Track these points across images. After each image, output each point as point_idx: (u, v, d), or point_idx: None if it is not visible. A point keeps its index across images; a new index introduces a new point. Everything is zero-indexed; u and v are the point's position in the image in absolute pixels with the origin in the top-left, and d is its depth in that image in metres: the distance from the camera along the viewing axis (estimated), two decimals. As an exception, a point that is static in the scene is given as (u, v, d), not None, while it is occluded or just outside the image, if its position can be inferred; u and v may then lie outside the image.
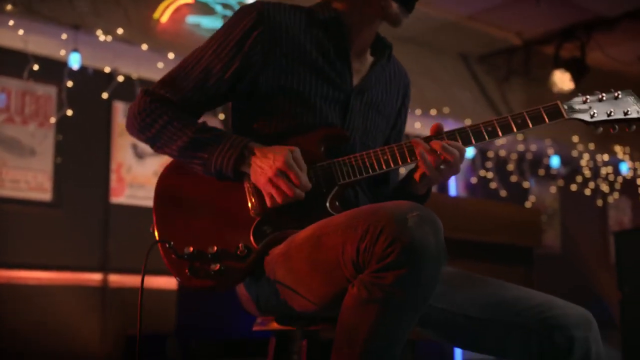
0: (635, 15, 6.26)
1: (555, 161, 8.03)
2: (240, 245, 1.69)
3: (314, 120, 1.83)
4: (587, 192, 8.35)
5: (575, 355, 1.68)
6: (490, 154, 7.64)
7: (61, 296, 5.32)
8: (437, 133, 1.77)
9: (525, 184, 7.93)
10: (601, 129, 1.80)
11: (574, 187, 8.19)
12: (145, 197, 5.89)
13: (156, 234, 1.76)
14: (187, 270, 1.67)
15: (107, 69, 5.49)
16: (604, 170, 8.45)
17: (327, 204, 1.75)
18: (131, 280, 5.64)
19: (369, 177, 1.80)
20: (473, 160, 7.66)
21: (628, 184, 8.62)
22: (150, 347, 3.91)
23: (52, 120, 5.48)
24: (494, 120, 1.76)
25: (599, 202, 8.60)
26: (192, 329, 3.74)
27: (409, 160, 1.77)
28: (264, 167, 1.71)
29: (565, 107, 1.77)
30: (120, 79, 5.51)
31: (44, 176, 5.46)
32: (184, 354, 3.72)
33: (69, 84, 5.22)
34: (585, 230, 8.66)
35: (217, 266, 1.66)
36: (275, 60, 1.81)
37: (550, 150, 7.88)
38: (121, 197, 5.79)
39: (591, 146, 8.01)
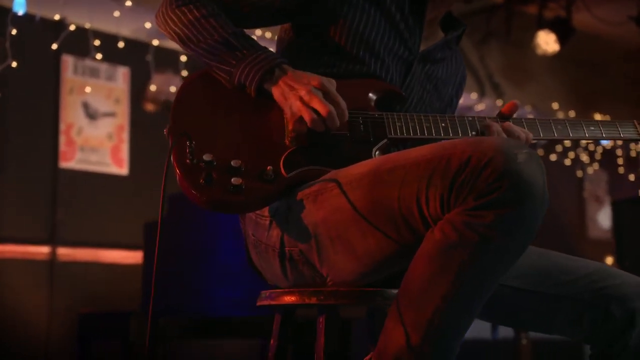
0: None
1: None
2: (268, 168, 1.61)
3: (374, 69, 1.78)
4: (567, 162, 8.31)
5: (637, 329, 1.65)
6: (469, 121, 7.50)
7: (4, 271, 5.23)
8: (510, 114, 1.82)
9: (504, 153, 7.82)
10: None
11: (553, 157, 8.13)
12: (98, 162, 5.77)
13: (170, 137, 1.64)
14: (202, 180, 1.56)
15: (56, 17, 5.27)
16: (584, 140, 8.40)
17: (373, 153, 1.70)
18: (82, 253, 5.56)
19: (420, 140, 1.75)
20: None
21: (608, 154, 8.62)
22: (110, 325, 3.69)
23: (-7, 73, 5.32)
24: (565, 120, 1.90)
25: (579, 173, 8.58)
26: (160, 305, 3.51)
27: (469, 135, 1.75)
28: (295, 85, 1.63)
29: None
30: (72, 28, 5.31)
31: (-17, 137, 5.37)
32: (151, 332, 3.48)
33: (13, 32, 4.96)
34: (564, 201, 8.64)
35: (240, 180, 1.57)
36: None
37: (529, 117, 7.78)
38: (71, 161, 5.66)
39: (571, 114, 8.01)
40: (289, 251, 1.66)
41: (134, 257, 5.35)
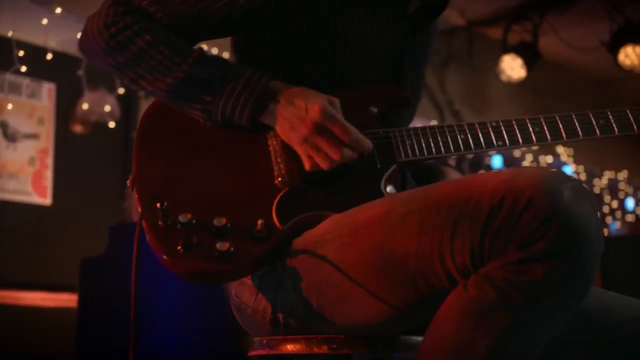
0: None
1: (497, 162, 8.10)
2: (259, 222, 1.45)
3: (364, 73, 1.65)
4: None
5: None
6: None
7: None
8: None
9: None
10: None
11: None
12: (17, 191, 5.65)
13: (136, 191, 1.51)
14: (179, 247, 1.41)
15: (-27, 24, 5.21)
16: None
17: (383, 186, 1.55)
18: (-4, 295, 5.40)
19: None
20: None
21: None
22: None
23: None
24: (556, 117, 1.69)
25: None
26: (97, 356, 3.31)
27: (495, 144, 1.63)
28: (293, 120, 1.48)
29: None
30: (-8, 37, 5.25)
31: None
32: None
33: None
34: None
35: (226, 245, 1.41)
36: None
37: (491, 150, 7.87)
38: (-14, 189, 5.62)
39: (534, 147, 8.02)
40: (284, 317, 1.53)
41: (58, 299, 5.13)
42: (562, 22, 6.63)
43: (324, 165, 1.47)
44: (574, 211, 1.21)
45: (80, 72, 5.32)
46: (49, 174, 5.71)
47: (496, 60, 6.85)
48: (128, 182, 1.54)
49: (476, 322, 1.26)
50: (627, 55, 6.22)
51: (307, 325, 1.50)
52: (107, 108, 5.53)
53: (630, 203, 9.39)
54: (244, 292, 1.57)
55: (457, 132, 1.60)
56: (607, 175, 9.10)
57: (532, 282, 1.22)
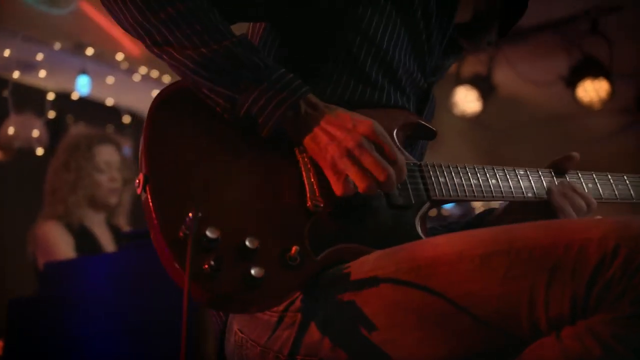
0: (555, 25, 6.24)
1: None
2: (293, 248, 1.35)
3: (395, 99, 1.59)
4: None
5: None
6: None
7: None
8: (566, 167, 1.75)
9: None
10: None
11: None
12: None
13: (150, 193, 1.32)
14: (206, 265, 1.27)
15: None
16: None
17: (417, 223, 1.50)
18: None
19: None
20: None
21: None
22: None
23: None
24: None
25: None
26: None
27: (535, 193, 1.65)
28: (336, 132, 1.41)
29: None
30: None
31: None
32: None
33: None
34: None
35: (262, 271, 1.29)
36: None
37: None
38: None
39: None
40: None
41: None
42: (518, 54, 6.62)
43: (362, 184, 1.37)
44: None
45: (6, 93, 5.06)
46: (-36, 205, 5.45)
47: (448, 93, 6.79)
48: (137, 181, 1.35)
49: None
50: (586, 90, 6.23)
51: None
52: (35, 133, 5.24)
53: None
54: (254, 328, 1.46)
55: (487, 176, 1.59)
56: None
57: None
